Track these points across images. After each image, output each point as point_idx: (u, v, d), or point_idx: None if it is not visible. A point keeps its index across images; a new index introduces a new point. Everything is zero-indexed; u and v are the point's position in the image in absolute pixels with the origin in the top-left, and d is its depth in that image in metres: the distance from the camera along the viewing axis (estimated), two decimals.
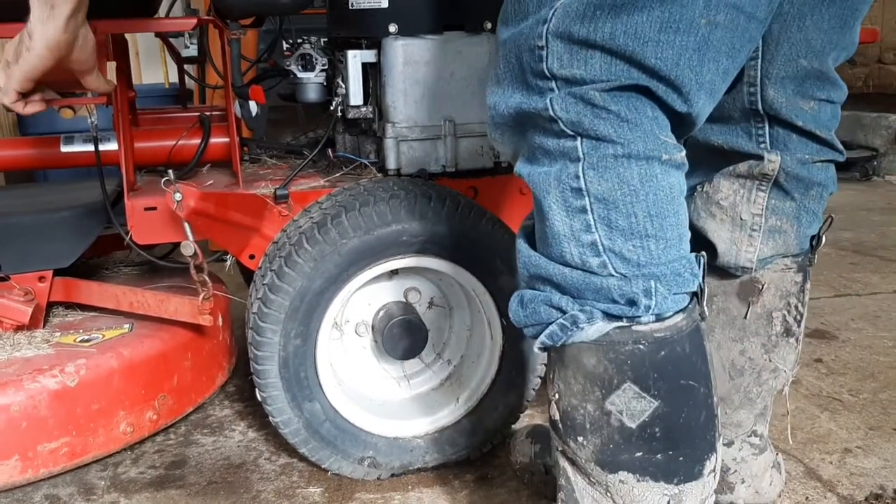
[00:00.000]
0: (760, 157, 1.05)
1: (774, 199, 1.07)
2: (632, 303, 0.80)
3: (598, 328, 0.81)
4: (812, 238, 1.11)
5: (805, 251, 1.11)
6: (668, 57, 0.75)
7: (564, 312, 0.82)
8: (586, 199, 0.79)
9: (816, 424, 1.56)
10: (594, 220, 0.80)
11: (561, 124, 0.78)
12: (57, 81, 1.14)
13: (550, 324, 0.84)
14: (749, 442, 1.20)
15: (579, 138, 0.78)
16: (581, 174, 0.79)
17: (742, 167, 1.07)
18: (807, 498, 1.32)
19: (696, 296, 0.85)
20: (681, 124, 0.81)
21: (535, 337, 0.86)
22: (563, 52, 0.77)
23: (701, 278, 0.84)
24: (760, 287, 1.11)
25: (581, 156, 0.79)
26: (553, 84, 0.78)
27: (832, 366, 1.83)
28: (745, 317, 1.13)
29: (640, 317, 0.81)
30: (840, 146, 1.07)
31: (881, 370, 1.80)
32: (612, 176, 0.78)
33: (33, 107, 1.14)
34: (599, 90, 0.76)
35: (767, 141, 1.04)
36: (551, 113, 0.78)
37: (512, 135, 0.86)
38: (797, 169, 1.05)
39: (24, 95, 1.12)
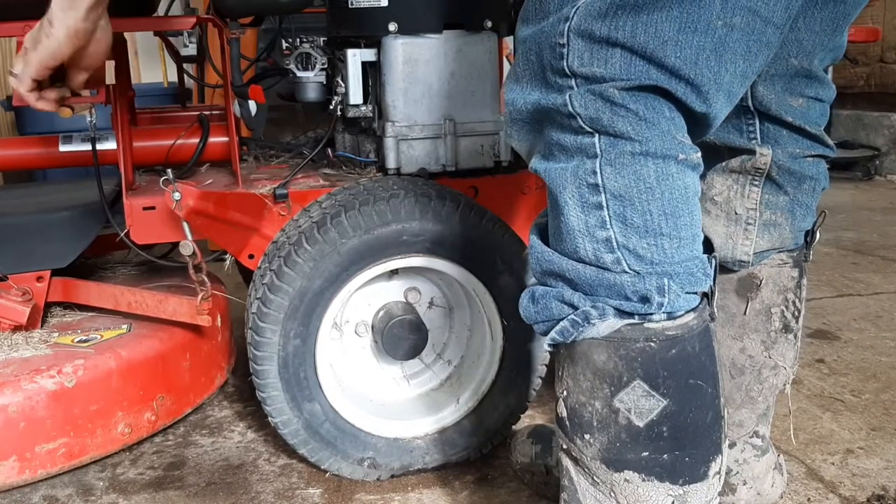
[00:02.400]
0: (752, 152, 1.06)
1: (768, 193, 1.08)
2: (644, 300, 0.80)
3: (609, 325, 0.81)
4: (806, 233, 1.12)
5: (800, 246, 1.12)
6: (686, 56, 0.75)
7: (576, 308, 0.83)
8: (602, 195, 0.80)
9: (818, 425, 1.55)
10: (609, 216, 0.80)
11: (579, 120, 0.79)
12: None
13: (561, 320, 0.84)
14: (751, 443, 1.20)
15: (597, 135, 0.79)
16: (598, 170, 0.79)
17: (734, 162, 1.08)
18: (808, 499, 1.31)
19: (707, 296, 0.85)
20: (697, 125, 0.82)
21: (546, 333, 0.86)
22: (584, 51, 0.77)
23: (712, 279, 0.84)
24: (759, 282, 1.12)
25: (598, 152, 0.79)
26: (573, 82, 0.79)
27: (834, 366, 1.82)
28: (745, 313, 1.13)
29: (651, 314, 0.81)
30: (830, 142, 1.08)
31: (883, 370, 1.79)
32: (628, 173, 0.79)
33: (46, 104, 1.16)
34: (619, 88, 0.77)
35: (758, 136, 1.05)
36: (570, 109, 0.78)
37: (529, 131, 0.86)
38: (789, 163, 1.06)
39: (40, 86, 1.14)
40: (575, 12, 0.77)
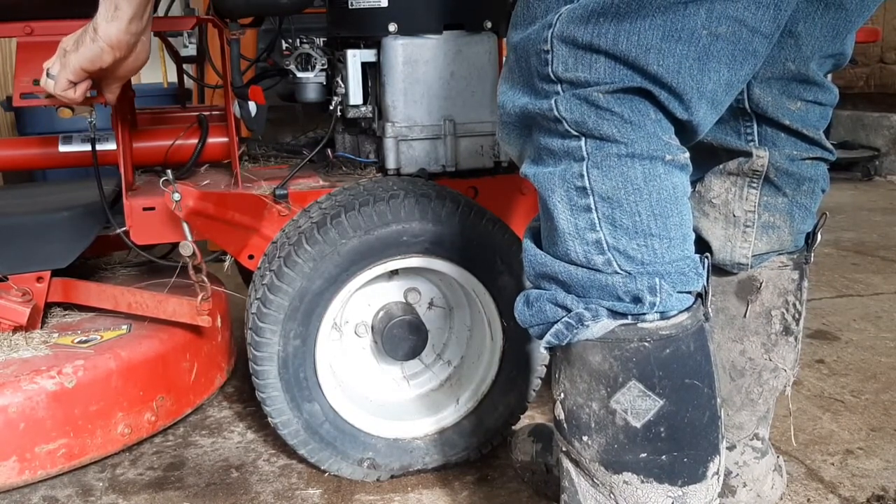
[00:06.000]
0: (749, 154, 1.06)
1: (766, 195, 1.08)
2: (637, 300, 0.80)
3: (603, 326, 0.82)
4: (807, 235, 1.12)
5: (801, 248, 1.12)
6: (669, 65, 0.76)
7: (570, 311, 0.83)
8: (591, 197, 0.80)
9: (818, 425, 1.55)
10: (598, 218, 0.80)
11: (565, 124, 0.79)
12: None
13: (556, 322, 0.84)
14: (751, 445, 1.20)
15: (583, 138, 0.79)
16: (585, 173, 0.80)
17: (732, 165, 1.08)
18: (808, 500, 1.31)
19: (701, 296, 0.85)
20: (683, 131, 0.82)
21: (541, 336, 0.86)
22: (568, 56, 0.78)
23: (705, 279, 0.85)
24: (759, 285, 1.11)
25: (585, 155, 0.79)
26: (558, 87, 0.79)
27: (834, 367, 1.82)
28: (745, 316, 1.13)
29: (644, 314, 0.81)
30: (829, 145, 1.08)
31: (883, 371, 1.79)
32: (615, 175, 0.79)
33: (81, 88, 1.18)
34: (603, 92, 0.77)
35: (756, 138, 1.05)
36: (556, 113, 0.79)
37: (518, 136, 0.87)
38: (787, 165, 1.06)
39: (74, 86, 1.17)
40: (558, 19, 0.78)
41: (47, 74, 1.17)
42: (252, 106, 1.54)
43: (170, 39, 2.02)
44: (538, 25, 0.80)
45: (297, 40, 1.56)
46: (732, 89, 0.81)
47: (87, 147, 1.63)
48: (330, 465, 1.35)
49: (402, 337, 1.34)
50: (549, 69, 0.79)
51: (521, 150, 0.88)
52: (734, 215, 1.08)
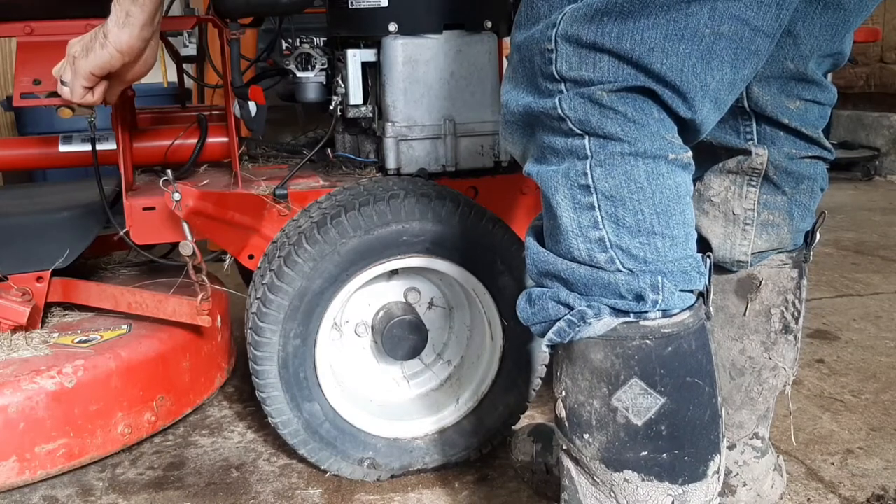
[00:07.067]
0: (748, 153, 1.06)
1: (766, 193, 1.08)
2: (639, 298, 0.81)
3: (605, 323, 0.82)
4: (806, 234, 1.12)
5: (800, 247, 1.12)
6: (673, 63, 0.76)
7: (572, 308, 0.83)
8: (594, 195, 0.80)
9: (818, 425, 1.55)
10: (601, 216, 0.81)
11: (569, 123, 0.79)
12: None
13: (558, 320, 0.84)
14: (751, 445, 1.20)
15: (587, 137, 0.79)
16: (589, 171, 0.80)
17: (731, 163, 1.08)
18: (808, 499, 1.31)
19: (702, 295, 0.85)
20: (686, 130, 0.82)
21: (543, 334, 0.87)
22: (572, 56, 0.78)
23: (707, 278, 0.85)
24: (758, 283, 1.12)
25: (589, 153, 0.80)
26: (562, 86, 0.80)
27: (834, 366, 1.82)
28: (745, 314, 1.13)
29: (647, 312, 0.82)
30: (828, 145, 1.08)
31: (883, 371, 1.79)
32: (619, 173, 0.79)
33: (98, 91, 1.20)
34: (607, 90, 0.77)
35: (755, 137, 1.06)
36: (560, 112, 0.79)
37: (522, 135, 0.87)
38: (786, 163, 1.06)
39: (90, 90, 1.19)
40: (562, 18, 0.78)
41: (61, 82, 1.18)
42: (252, 106, 1.54)
43: (170, 39, 2.02)
44: (542, 25, 0.80)
45: (297, 40, 1.56)
46: (735, 88, 0.81)
47: (87, 147, 1.63)
48: (330, 465, 1.35)
49: (402, 337, 1.34)
50: (553, 68, 0.79)
51: (525, 149, 0.88)
52: (734, 213, 1.09)
